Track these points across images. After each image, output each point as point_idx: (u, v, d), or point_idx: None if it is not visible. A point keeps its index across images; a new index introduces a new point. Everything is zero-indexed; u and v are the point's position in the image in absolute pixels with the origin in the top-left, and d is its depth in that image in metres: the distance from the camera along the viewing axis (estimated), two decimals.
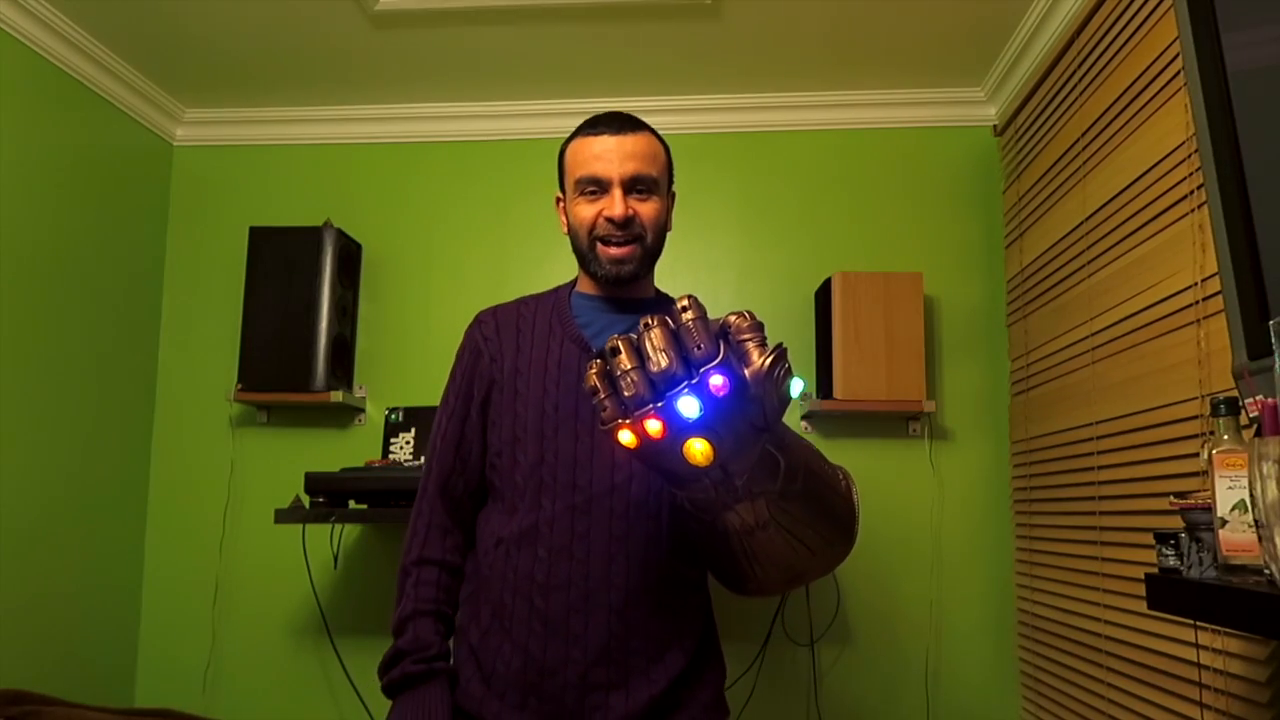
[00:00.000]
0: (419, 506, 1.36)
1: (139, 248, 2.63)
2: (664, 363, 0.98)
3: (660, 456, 1.03)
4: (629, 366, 0.99)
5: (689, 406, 0.99)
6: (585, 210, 1.29)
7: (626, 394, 1.00)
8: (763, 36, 2.28)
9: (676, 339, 1.00)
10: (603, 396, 1.02)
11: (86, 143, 2.41)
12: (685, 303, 1.01)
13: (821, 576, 1.22)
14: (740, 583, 1.23)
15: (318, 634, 2.51)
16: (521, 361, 1.32)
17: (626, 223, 1.27)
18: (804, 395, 2.43)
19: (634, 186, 1.28)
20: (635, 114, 1.36)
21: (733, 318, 1.03)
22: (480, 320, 1.40)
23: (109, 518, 2.48)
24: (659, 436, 1.00)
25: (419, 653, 1.26)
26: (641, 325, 1.01)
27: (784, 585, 1.21)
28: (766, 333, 1.04)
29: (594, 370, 1.02)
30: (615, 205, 1.26)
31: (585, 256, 1.32)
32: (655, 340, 0.99)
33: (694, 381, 0.99)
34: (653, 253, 1.33)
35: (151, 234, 2.68)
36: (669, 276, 1.51)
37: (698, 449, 1.01)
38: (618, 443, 1.02)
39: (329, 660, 2.49)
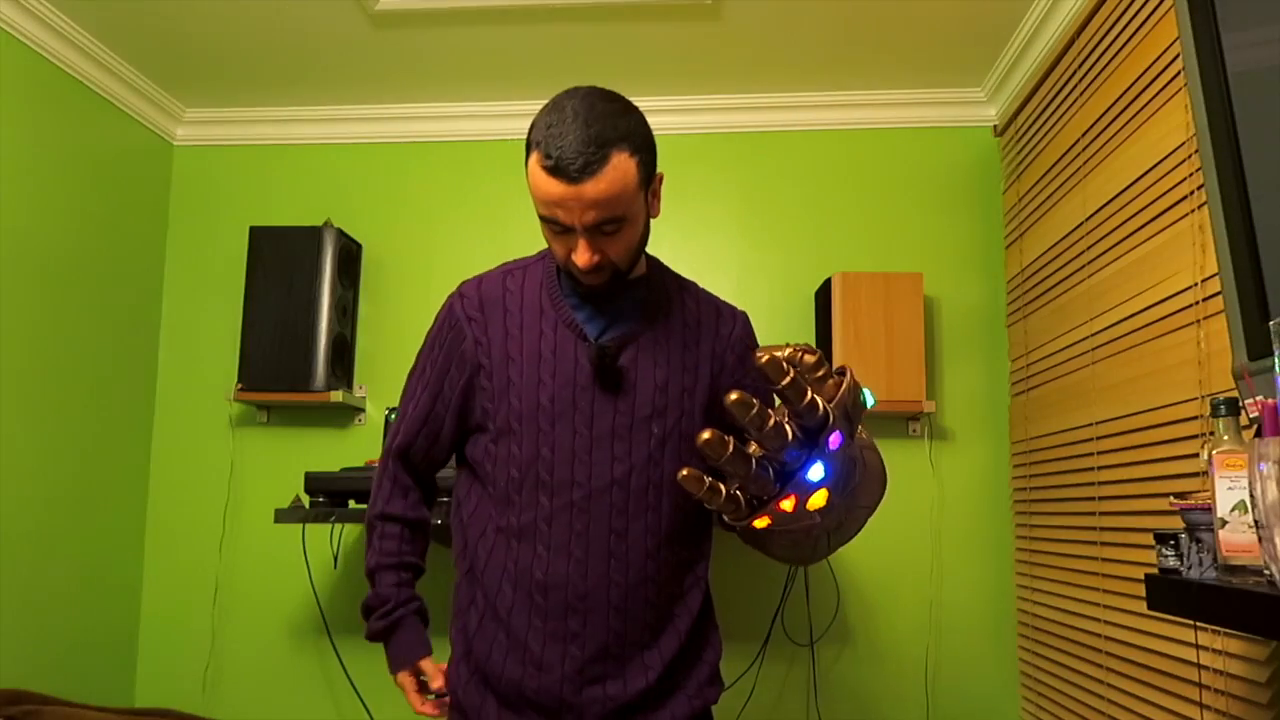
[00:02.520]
0: (382, 463, 1.38)
1: (139, 248, 2.63)
2: (789, 450, 0.98)
3: (788, 521, 1.03)
4: (746, 472, 0.97)
5: (817, 473, 1.00)
6: (553, 241, 1.21)
7: (756, 492, 1.00)
8: (763, 36, 2.28)
9: (776, 426, 0.96)
10: (730, 508, 1.01)
11: (86, 143, 2.41)
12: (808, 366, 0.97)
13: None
14: (806, 560, 1.24)
15: (318, 634, 2.51)
16: (512, 347, 1.26)
17: (595, 267, 1.19)
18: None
19: (600, 227, 1.16)
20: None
21: (806, 357, 0.98)
22: (463, 294, 1.33)
23: (109, 517, 2.48)
24: (792, 510, 1.01)
25: (380, 608, 1.33)
26: (751, 425, 0.94)
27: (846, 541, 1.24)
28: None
29: (706, 484, 0.99)
30: (580, 254, 1.16)
31: (560, 268, 1.27)
32: (772, 439, 0.96)
33: (816, 452, 0.99)
34: (629, 269, 1.25)
35: (151, 234, 2.68)
36: None
37: (818, 500, 1.03)
38: (748, 527, 1.03)
39: (329, 660, 2.49)
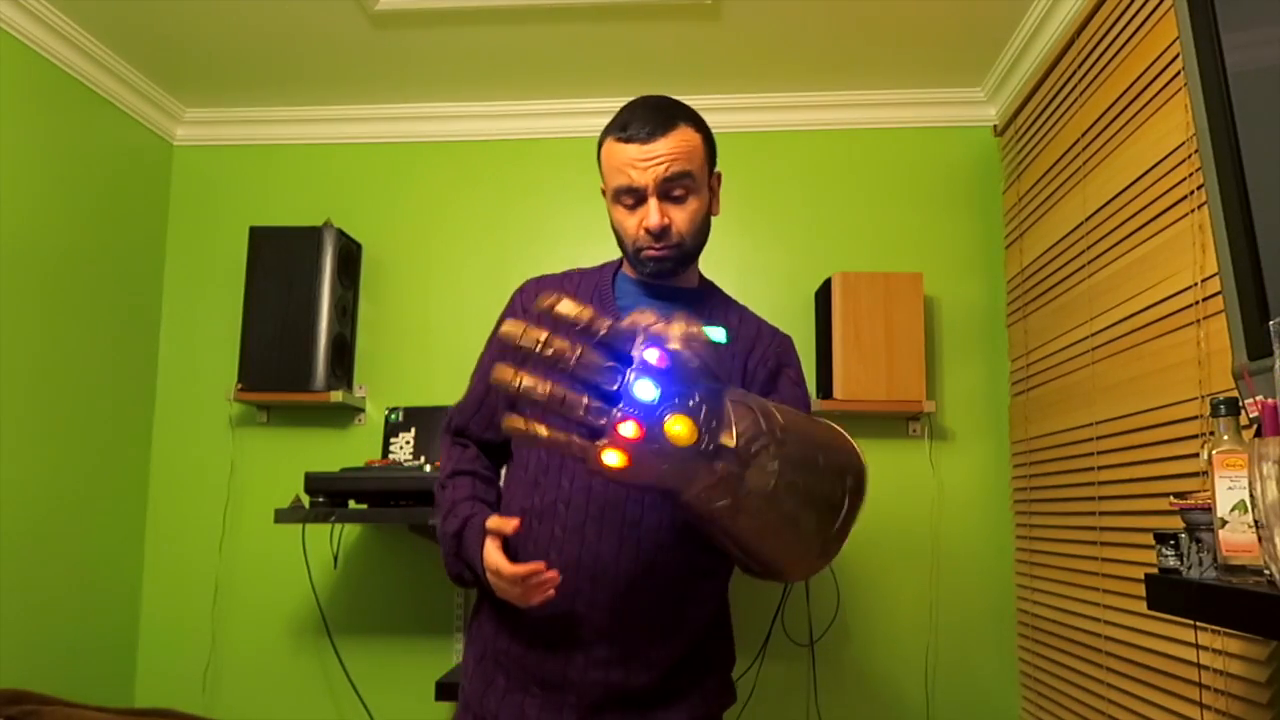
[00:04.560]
0: (442, 440, 1.46)
1: (139, 248, 2.63)
2: (593, 370, 0.92)
3: (654, 459, 0.94)
4: (561, 393, 0.91)
5: (645, 389, 0.92)
6: (626, 220, 1.30)
7: (590, 421, 0.91)
8: (763, 36, 2.28)
9: (583, 353, 0.93)
10: (562, 438, 0.92)
11: (86, 143, 2.40)
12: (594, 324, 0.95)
13: (856, 516, 1.17)
14: (806, 558, 1.17)
15: (317, 634, 2.51)
16: None
17: (663, 233, 1.28)
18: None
19: (670, 191, 1.28)
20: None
21: (635, 316, 0.99)
22: (524, 289, 1.43)
23: (109, 518, 2.48)
24: (640, 436, 0.91)
25: (453, 514, 1.33)
26: (544, 354, 0.92)
27: (833, 540, 1.15)
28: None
29: (523, 425, 0.92)
30: (651, 216, 1.26)
31: (629, 257, 1.34)
32: (571, 361, 0.91)
33: (634, 368, 0.93)
34: (692, 251, 1.33)
35: (151, 234, 2.68)
36: None
37: (679, 429, 0.93)
38: (606, 470, 0.93)
39: (329, 660, 2.49)
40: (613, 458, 0.92)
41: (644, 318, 0.99)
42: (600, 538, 1.24)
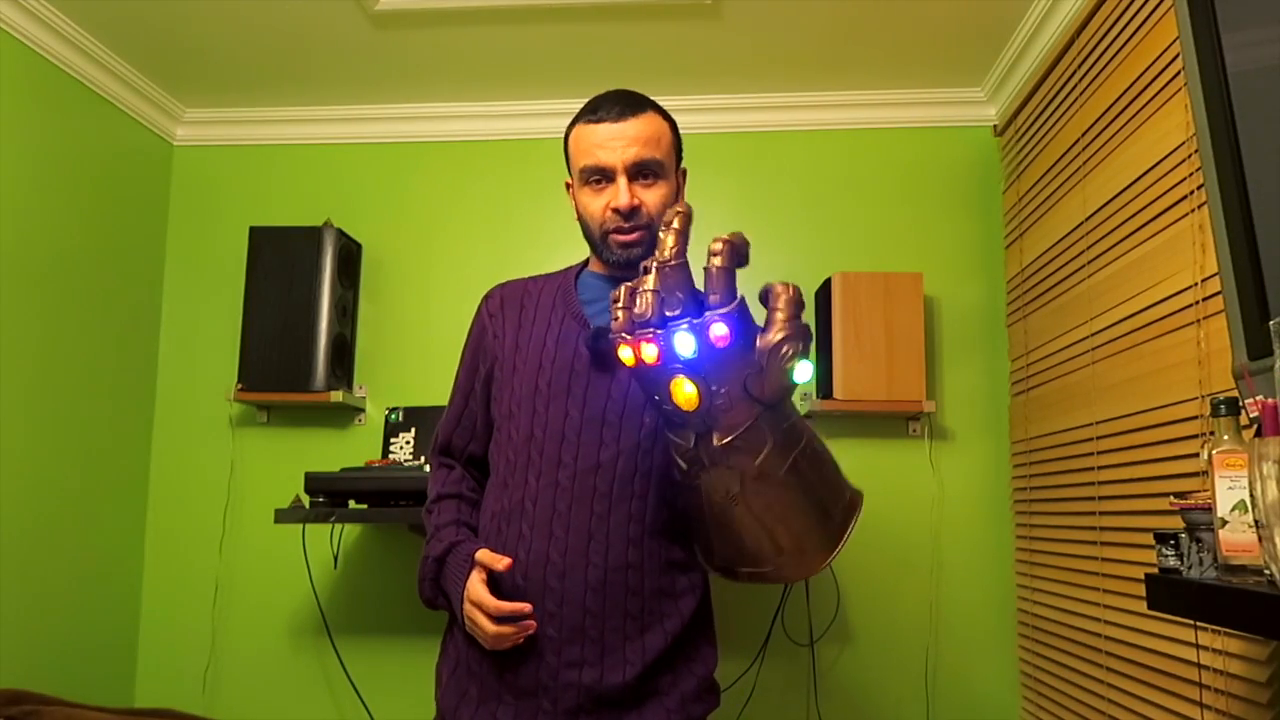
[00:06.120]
0: (430, 461, 1.47)
1: (139, 248, 2.63)
2: (674, 300, 1.04)
3: (653, 384, 1.07)
4: (650, 288, 1.04)
5: (684, 344, 1.02)
6: (592, 202, 1.30)
7: (636, 311, 1.04)
8: (763, 36, 2.28)
9: (691, 280, 1.05)
10: (619, 306, 1.07)
11: (86, 143, 2.40)
12: (718, 246, 1.06)
13: (790, 581, 1.24)
14: (706, 553, 1.26)
15: (318, 634, 2.51)
16: (522, 338, 1.34)
17: (632, 213, 1.27)
18: (804, 395, 2.43)
19: (639, 173, 1.27)
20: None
21: (778, 285, 1.09)
22: (488, 296, 1.45)
23: (109, 517, 2.48)
24: (652, 363, 1.04)
25: (436, 542, 1.36)
26: (672, 255, 1.06)
27: (747, 573, 1.21)
28: (801, 313, 1.08)
29: (627, 285, 1.08)
30: (620, 195, 1.26)
31: (596, 245, 1.33)
32: (674, 275, 1.05)
33: (696, 322, 1.02)
34: None
35: (151, 234, 2.68)
36: None
37: (685, 390, 1.04)
38: (617, 357, 1.07)
39: (329, 660, 2.49)
40: (625, 352, 1.07)
41: (782, 301, 1.08)
42: (568, 533, 1.24)
